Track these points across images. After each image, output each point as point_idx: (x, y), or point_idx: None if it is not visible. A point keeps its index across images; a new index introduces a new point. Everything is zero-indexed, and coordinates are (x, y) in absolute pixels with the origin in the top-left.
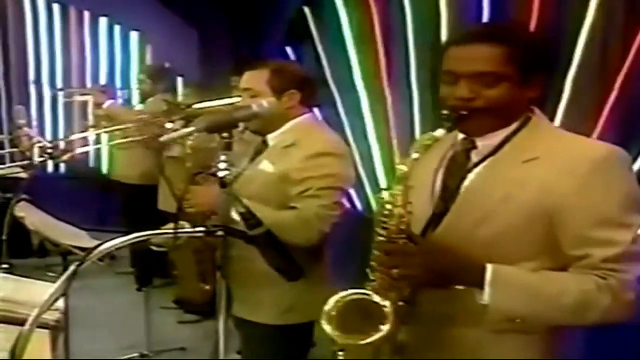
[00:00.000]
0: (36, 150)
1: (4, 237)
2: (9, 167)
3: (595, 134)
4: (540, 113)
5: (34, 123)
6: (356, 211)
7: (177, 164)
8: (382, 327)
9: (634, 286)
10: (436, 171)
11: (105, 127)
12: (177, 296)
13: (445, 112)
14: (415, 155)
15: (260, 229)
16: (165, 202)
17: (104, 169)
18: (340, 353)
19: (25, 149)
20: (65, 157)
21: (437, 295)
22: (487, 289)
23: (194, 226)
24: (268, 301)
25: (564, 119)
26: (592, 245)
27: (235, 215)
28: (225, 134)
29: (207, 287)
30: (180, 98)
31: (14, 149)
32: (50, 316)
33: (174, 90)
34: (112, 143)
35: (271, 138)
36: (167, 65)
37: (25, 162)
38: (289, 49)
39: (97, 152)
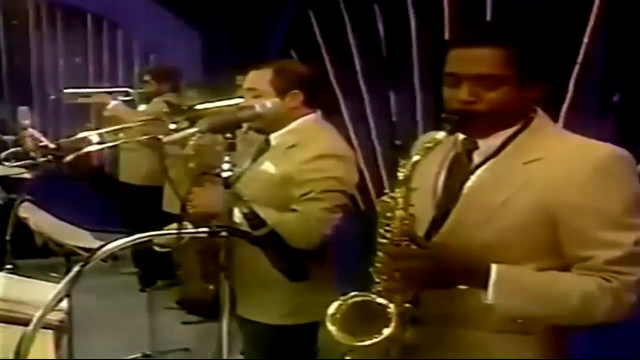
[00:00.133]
0: (39, 151)
1: (7, 238)
2: (12, 167)
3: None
4: (543, 114)
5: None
6: (360, 212)
7: (182, 164)
8: (386, 329)
9: (637, 288)
10: (438, 173)
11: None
12: (180, 297)
13: (445, 115)
14: (416, 158)
15: (264, 230)
16: (170, 204)
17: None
18: (348, 358)
19: (29, 149)
20: (68, 158)
21: (442, 296)
22: (491, 289)
23: (197, 227)
24: (272, 301)
25: (567, 120)
26: (595, 247)
27: (237, 216)
28: (228, 135)
29: (211, 287)
30: (185, 99)
31: (18, 148)
32: (54, 317)
33: (178, 91)
34: (115, 143)
35: (274, 138)
36: (171, 66)
37: (29, 162)
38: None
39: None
